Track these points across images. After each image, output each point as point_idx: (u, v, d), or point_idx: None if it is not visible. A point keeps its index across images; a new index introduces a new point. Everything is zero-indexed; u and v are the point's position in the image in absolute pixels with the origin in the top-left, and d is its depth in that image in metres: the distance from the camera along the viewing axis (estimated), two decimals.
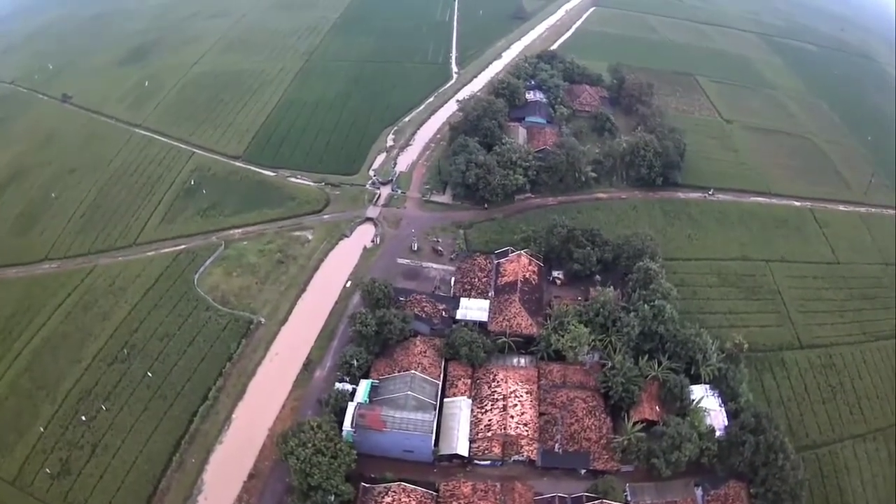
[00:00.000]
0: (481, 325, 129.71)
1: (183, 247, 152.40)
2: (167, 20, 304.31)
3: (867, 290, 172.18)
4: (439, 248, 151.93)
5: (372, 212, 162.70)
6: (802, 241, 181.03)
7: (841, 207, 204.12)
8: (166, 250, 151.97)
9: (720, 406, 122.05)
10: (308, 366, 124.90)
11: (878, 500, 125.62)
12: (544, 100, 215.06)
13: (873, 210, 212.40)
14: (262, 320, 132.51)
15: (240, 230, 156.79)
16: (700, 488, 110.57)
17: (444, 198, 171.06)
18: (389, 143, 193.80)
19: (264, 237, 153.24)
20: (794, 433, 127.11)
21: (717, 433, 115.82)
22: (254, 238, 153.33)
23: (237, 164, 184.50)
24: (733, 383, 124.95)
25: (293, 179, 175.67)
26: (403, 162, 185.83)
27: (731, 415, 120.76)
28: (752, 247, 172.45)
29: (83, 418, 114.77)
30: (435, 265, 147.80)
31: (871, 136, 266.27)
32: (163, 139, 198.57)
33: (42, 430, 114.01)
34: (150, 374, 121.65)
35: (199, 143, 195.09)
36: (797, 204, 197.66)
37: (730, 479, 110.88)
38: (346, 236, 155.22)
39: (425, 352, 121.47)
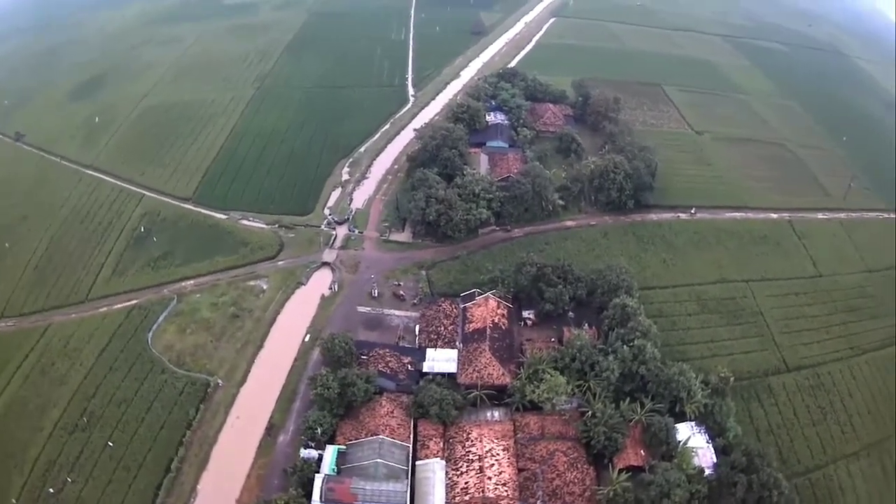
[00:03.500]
0: (450, 377, 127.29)
1: (135, 302, 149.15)
2: (119, 49, 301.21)
3: (851, 301, 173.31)
4: (401, 292, 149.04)
5: (328, 255, 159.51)
6: (782, 257, 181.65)
7: (820, 216, 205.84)
8: (119, 306, 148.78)
9: (708, 443, 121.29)
10: (271, 430, 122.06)
11: None
12: (506, 122, 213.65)
13: (854, 215, 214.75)
14: (220, 382, 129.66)
15: (192, 281, 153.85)
16: None
17: (404, 236, 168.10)
18: (345, 176, 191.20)
19: (217, 289, 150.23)
20: (786, 461, 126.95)
21: (707, 472, 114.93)
22: (207, 290, 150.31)
23: (187, 206, 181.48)
24: (720, 418, 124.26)
25: (245, 222, 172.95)
26: (359, 198, 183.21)
27: (720, 451, 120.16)
28: (731, 267, 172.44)
29: (51, 490, 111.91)
30: (397, 312, 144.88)
31: (847, 137, 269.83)
32: (112, 181, 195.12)
33: (14, 501, 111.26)
34: (111, 443, 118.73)
35: (148, 184, 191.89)
36: (775, 216, 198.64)
37: None
38: (303, 284, 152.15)
39: (392, 412, 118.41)
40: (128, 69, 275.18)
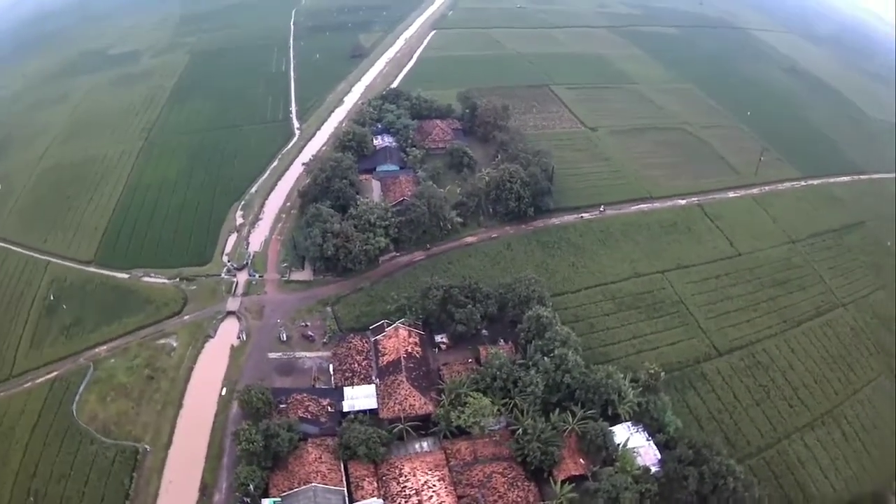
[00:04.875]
0: (372, 413, 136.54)
1: (55, 374, 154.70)
2: (15, 112, 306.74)
3: (777, 275, 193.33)
4: (309, 333, 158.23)
5: (232, 304, 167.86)
6: (696, 242, 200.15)
7: (731, 195, 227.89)
8: (41, 380, 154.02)
9: (648, 441, 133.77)
10: (205, 490, 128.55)
11: (843, 481, 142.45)
12: (394, 144, 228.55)
13: (767, 189, 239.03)
14: (148, 448, 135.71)
15: (105, 346, 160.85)
16: None
17: (305, 274, 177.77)
18: (239, 220, 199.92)
19: (130, 351, 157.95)
20: (734, 445, 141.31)
21: (653, 470, 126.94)
22: (120, 354, 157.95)
23: (91, 269, 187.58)
24: (657, 414, 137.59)
25: (147, 279, 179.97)
26: (256, 240, 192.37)
27: (663, 447, 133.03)
28: (644, 261, 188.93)
29: None
30: (309, 354, 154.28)
31: (751, 111, 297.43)
32: (19, 250, 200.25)
33: None
34: None
35: (52, 249, 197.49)
36: (683, 202, 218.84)
37: None
38: (211, 337, 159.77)
39: (321, 457, 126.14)
40: (23, 133, 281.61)
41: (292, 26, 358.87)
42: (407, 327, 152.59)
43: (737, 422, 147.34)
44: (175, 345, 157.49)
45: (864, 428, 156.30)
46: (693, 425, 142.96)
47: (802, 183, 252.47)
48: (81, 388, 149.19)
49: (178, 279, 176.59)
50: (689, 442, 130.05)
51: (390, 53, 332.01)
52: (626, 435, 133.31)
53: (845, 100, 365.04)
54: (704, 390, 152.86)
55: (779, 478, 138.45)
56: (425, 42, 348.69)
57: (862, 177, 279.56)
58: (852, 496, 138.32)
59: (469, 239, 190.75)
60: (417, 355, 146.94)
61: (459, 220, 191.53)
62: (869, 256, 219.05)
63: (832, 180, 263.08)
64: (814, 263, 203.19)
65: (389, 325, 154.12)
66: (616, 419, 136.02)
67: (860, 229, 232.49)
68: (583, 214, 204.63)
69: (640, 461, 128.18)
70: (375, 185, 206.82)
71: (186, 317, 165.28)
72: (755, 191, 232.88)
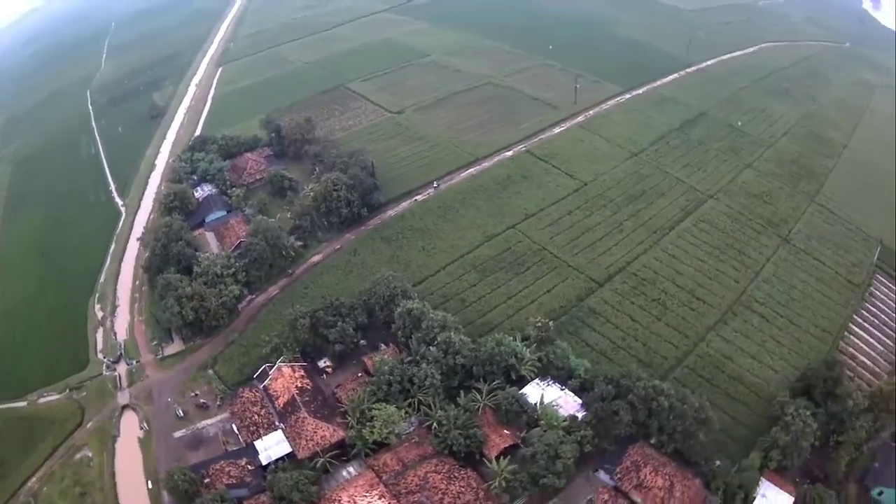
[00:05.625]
0: (290, 457, 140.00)
1: None
2: None
3: (630, 190, 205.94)
4: (202, 401, 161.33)
5: (122, 398, 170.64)
6: (536, 187, 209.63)
7: (557, 130, 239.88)
8: None
9: (563, 390, 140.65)
10: None
11: (782, 359, 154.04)
12: (214, 191, 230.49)
13: (592, 113, 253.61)
14: None
15: (35, 478, 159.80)
16: (602, 471, 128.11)
17: (176, 346, 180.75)
18: (99, 314, 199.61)
19: (56, 475, 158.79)
20: (651, 364, 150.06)
21: (580, 416, 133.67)
22: (49, 481, 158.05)
23: None
24: (561, 363, 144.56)
25: (42, 400, 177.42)
26: (121, 328, 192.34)
27: (580, 390, 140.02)
28: (491, 222, 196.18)
29: None
30: (209, 421, 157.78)
31: (553, 44, 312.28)
32: None
33: None
34: None
35: None
36: (510, 153, 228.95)
37: (626, 447, 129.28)
38: (117, 436, 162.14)
39: None
40: None
41: (90, 107, 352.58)
42: (289, 364, 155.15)
43: (644, 342, 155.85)
44: (90, 454, 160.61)
45: (780, 303, 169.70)
46: (602, 361, 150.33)
47: (627, 96, 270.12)
48: None
49: (67, 391, 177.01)
50: (605, 378, 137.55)
51: (186, 102, 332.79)
52: (539, 392, 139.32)
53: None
54: (599, 324, 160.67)
55: (710, 380, 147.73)
56: (215, 80, 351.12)
57: (689, 70, 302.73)
58: (804, 368, 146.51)
59: (315, 258, 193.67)
60: (309, 387, 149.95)
61: (299, 243, 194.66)
62: (721, 142, 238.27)
63: (658, 83, 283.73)
64: (665, 167, 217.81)
65: (271, 367, 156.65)
66: (523, 381, 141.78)
67: (703, 120, 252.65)
68: (415, 198, 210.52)
69: (562, 412, 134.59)
70: (210, 237, 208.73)
71: (89, 425, 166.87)
72: (580, 118, 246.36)
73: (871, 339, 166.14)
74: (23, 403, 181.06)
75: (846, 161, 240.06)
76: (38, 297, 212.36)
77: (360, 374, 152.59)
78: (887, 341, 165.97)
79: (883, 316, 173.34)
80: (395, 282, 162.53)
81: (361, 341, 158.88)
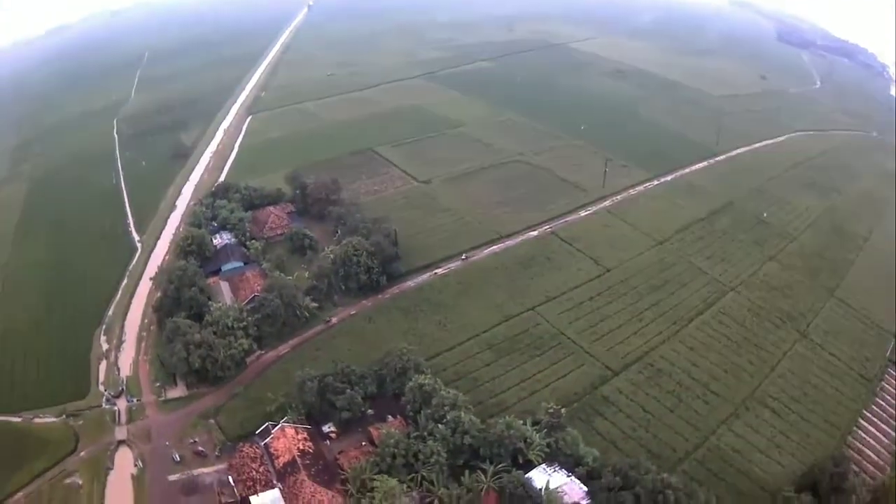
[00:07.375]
0: None
1: None
2: None
3: (653, 279, 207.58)
4: (200, 448, 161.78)
5: (120, 433, 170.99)
6: (558, 269, 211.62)
7: (584, 213, 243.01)
8: None
9: (569, 477, 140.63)
10: None
11: (789, 455, 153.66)
12: (233, 240, 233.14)
13: (619, 198, 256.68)
14: None
15: (21, 493, 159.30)
16: None
17: (179, 390, 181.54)
18: (104, 346, 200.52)
19: (44, 495, 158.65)
20: (660, 456, 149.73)
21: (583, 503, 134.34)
22: (35, 500, 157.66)
23: None
24: (570, 450, 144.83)
25: (38, 420, 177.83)
26: (125, 364, 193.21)
27: (586, 478, 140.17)
28: (510, 302, 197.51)
29: None
30: (206, 470, 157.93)
31: (585, 124, 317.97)
32: None
33: None
34: None
35: None
36: (535, 234, 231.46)
37: None
38: (111, 468, 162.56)
39: None
40: None
41: (116, 136, 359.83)
42: (292, 425, 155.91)
43: (655, 434, 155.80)
44: (80, 482, 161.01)
45: (793, 399, 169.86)
46: (611, 450, 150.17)
47: (655, 182, 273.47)
48: None
49: (64, 416, 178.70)
50: (613, 468, 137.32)
51: (212, 146, 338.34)
52: (545, 477, 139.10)
53: (679, 85, 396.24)
54: (611, 413, 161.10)
55: (718, 473, 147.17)
56: (244, 129, 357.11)
57: (718, 158, 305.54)
58: (810, 465, 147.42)
59: (331, 320, 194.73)
60: (310, 451, 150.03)
61: (315, 304, 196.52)
62: (746, 234, 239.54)
63: (686, 171, 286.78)
64: (689, 257, 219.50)
65: (275, 426, 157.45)
66: (530, 466, 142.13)
67: (730, 210, 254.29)
68: (436, 271, 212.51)
69: (567, 499, 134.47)
70: (224, 287, 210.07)
71: (83, 453, 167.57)
72: (607, 203, 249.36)
73: (879, 434, 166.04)
74: (17, 419, 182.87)
75: (866, 254, 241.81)
76: (43, 320, 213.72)
77: (364, 444, 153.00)
78: (893, 434, 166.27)
79: (891, 409, 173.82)
80: (409, 355, 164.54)
81: (369, 411, 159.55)
